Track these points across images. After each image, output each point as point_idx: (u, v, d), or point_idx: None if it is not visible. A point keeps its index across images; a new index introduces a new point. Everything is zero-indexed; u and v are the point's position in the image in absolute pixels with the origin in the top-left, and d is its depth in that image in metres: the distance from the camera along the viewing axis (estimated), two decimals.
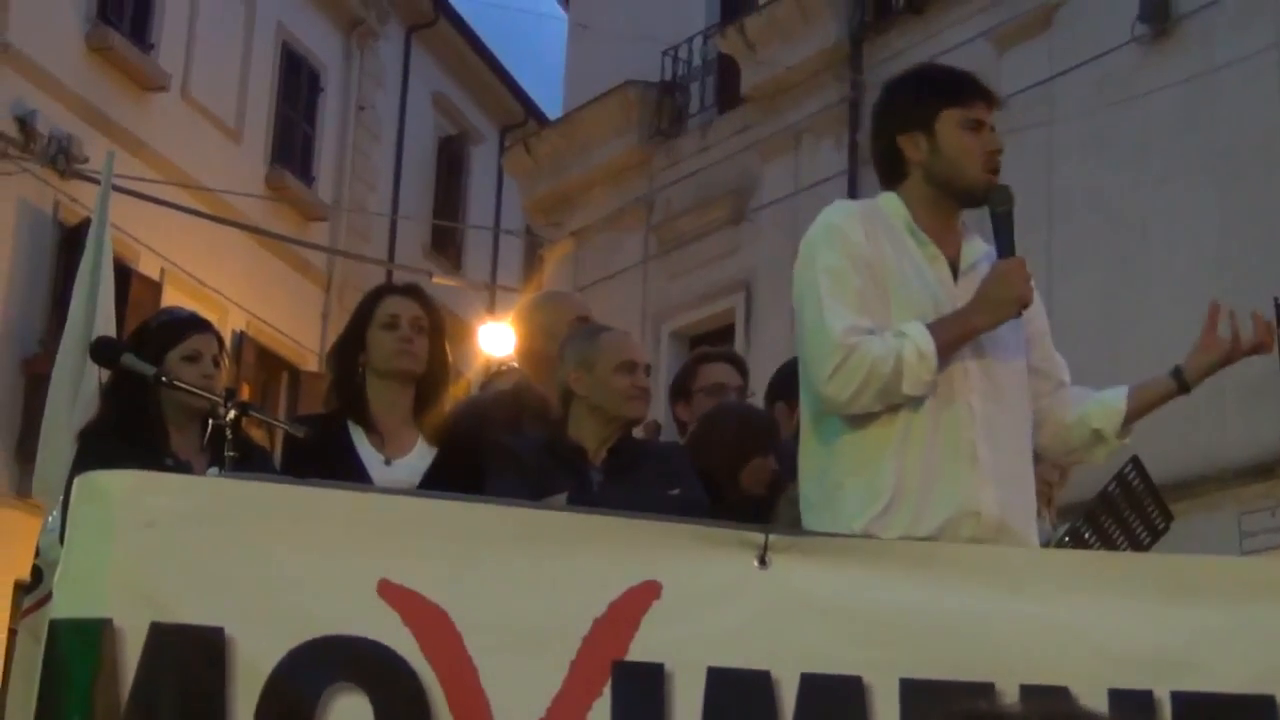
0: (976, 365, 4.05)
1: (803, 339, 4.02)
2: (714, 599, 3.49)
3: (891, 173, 4.18)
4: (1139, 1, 15.91)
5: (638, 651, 3.39)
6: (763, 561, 3.55)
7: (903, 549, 3.79)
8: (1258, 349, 4.26)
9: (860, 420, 3.98)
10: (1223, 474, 14.14)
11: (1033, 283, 4.06)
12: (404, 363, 5.10)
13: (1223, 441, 14.31)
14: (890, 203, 4.15)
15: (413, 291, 5.30)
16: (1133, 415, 4.28)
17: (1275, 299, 14.17)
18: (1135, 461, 4.91)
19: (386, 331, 5.10)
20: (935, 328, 3.94)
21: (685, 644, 3.44)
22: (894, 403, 3.93)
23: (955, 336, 3.97)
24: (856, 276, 3.99)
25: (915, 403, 3.96)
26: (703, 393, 6.22)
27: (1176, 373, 4.28)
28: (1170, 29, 15.84)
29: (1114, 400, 4.27)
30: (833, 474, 4.03)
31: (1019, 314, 4.03)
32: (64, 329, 6.16)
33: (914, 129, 4.11)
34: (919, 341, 3.89)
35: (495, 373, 6.87)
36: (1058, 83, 16.36)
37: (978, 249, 4.20)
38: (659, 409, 6.95)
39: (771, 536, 3.59)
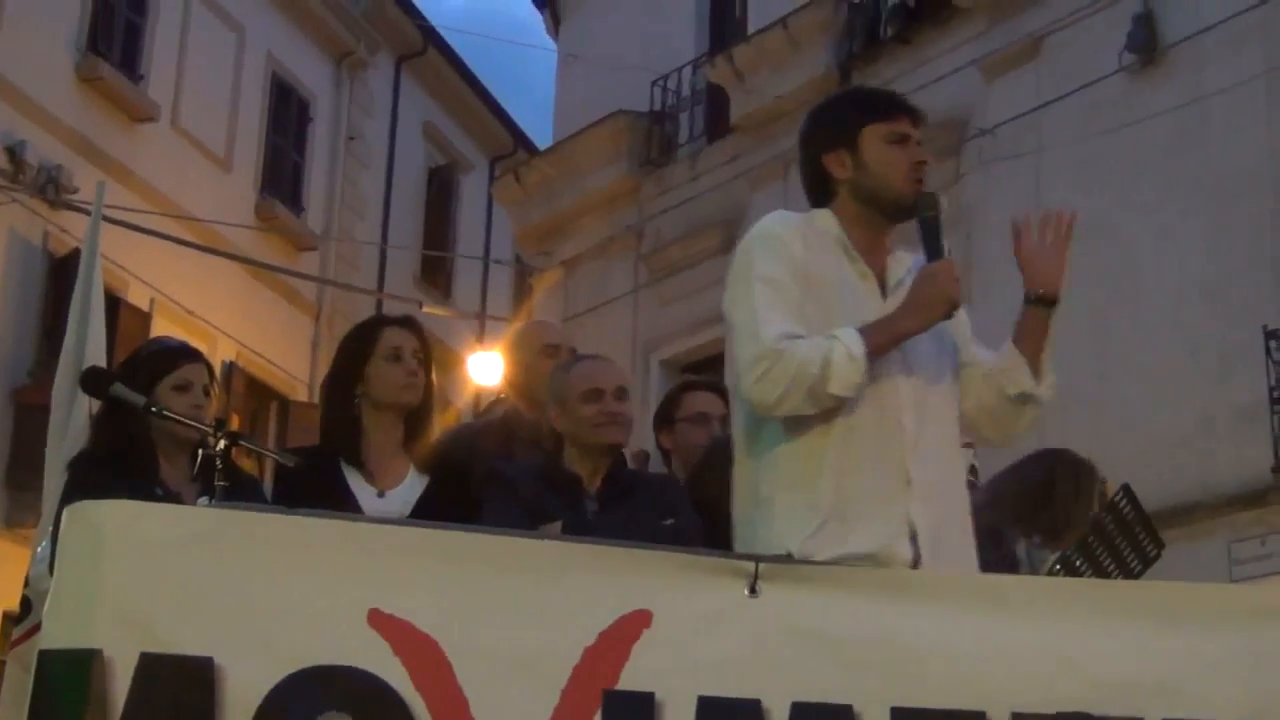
0: (907, 383, 4.08)
1: (734, 345, 4.05)
2: (704, 627, 3.49)
3: (820, 193, 4.23)
4: (1127, 31, 15.97)
5: (628, 680, 3.38)
6: (753, 590, 3.54)
7: (893, 577, 3.79)
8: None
9: (794, 435, 4.00)
10: (1213, 502, 14.15)
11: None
12: (409, 395, 5.11)
13: (1213, 469, 14.33)
14: (825, 219, 4.19)
15: (410, 323, 5.31)
16: (1032, 357, 4.21)
17: (1264, 326, 14.21)
18: (1126, 489, 4.91)
19: (391, 364, 5.09)
20: (866, 331, 3.95)
21: (676, 673, 3.43)
22: (824, 406, 3.93)
23: (886, 339, 3.99)
24: (794, 287, 4.03)
25: (848, 420, 3.97)
26: (686, 421, 6.22)
27: (1028, 297, 4.22)
28: (1158, 58, 15.90)
29: (1005, 357, 4.22)
30: (765, 490, 4.04)
31: (949, 315, 4.05)
32: (57, 359, 6.17)
33: (838, 147, 4.18)
34: (849, 343, 3.91)
35: (491, 402, 6.90)
36: (1046, 111, 16.42)
37: (903, 264, 4.22)
38: (649, 438, 6.94)
39: (762, 565, 3.58)
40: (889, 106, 4.24)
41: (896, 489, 4.00)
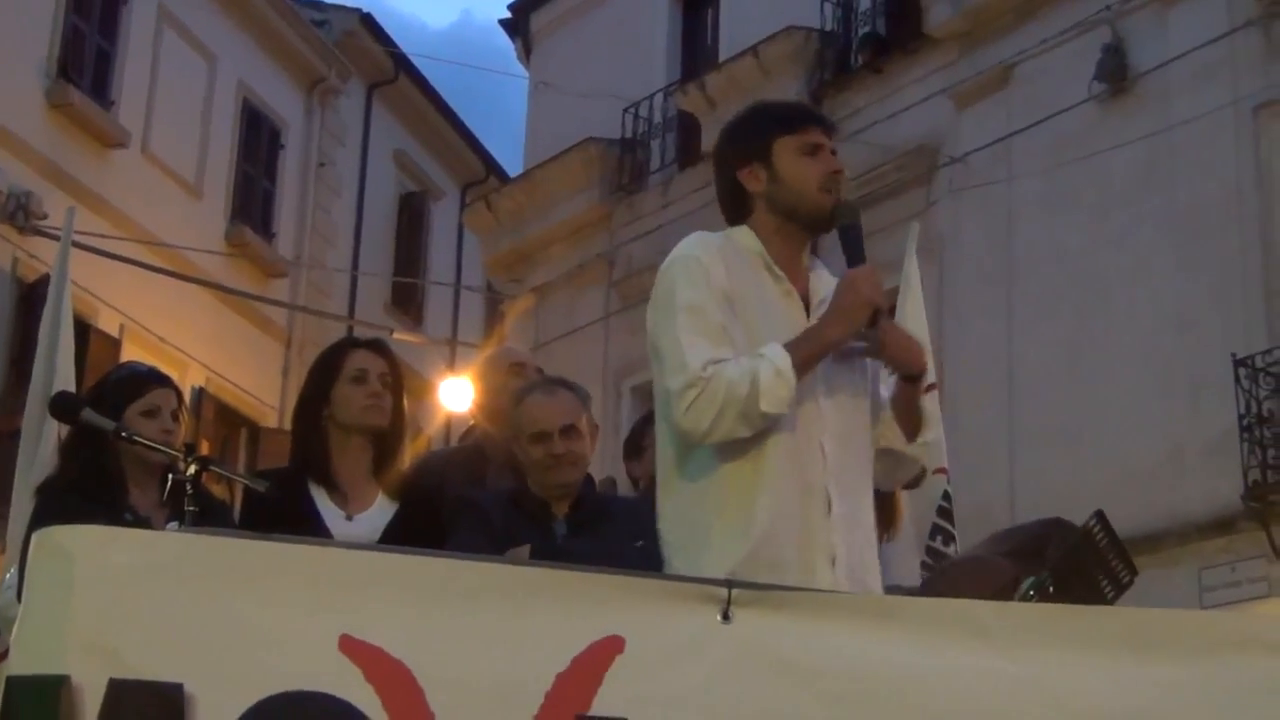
0: (829, 404, 4.06)
1: (660, 375, 4.00)
2: (677, 653, 3.47)
3: (737, 209, 4.20)
4: (1096, 60, 16.08)
5: (601, 706, 3.36)
6: (726, 616, 3.52)
7: (868, 603, 3.78)
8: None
9: (722, 462, 3.97)
10: (1183, 529, 14.21)
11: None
12: (372, 418, 5.08)
13: (1183, 497, 14.39)
14: (744, 235, 4.16)
15: (378, 346, 5.29)
16: (904, 423, 4.21)
17: (1233, 354, 14.28)
18: (1099, 515, 4.91)
19: (355, 386, 5.08)
20: (792, 345, 3.93)
21: (648, 699, 3.41)
22: (757, 426, 3.90)
23: (812, 351, 3.97)
24: (718, 312, 3.99)
25: (774, 444, 3.95)
26: (653, 450, 6.23)
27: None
28: (1128, 87, 16.01)
29: (883, 415, 4.23)
30: (697, 517, 4.01)
31: (874, 321, 4.02)
32: (25, 386, 6.17)
33: (751, 161, 4.15)
34: (775, 360, 3.88)
35: (465, 431, 6.90)
36: (1016, 140, 16.51)
37: (825, 282, 4.21)
38: (619, 465, 6.94)
39: (735, 590, 3.56)
40: (799, 118, 4.23)
41: (818, 514, 3.99)
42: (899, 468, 4.34)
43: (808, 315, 4.11)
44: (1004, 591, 4.91)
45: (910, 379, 4.15)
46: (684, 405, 3.90)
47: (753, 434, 3.93)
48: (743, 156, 4.18)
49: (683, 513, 4.06)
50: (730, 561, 3.88)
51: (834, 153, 4.16)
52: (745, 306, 4.04)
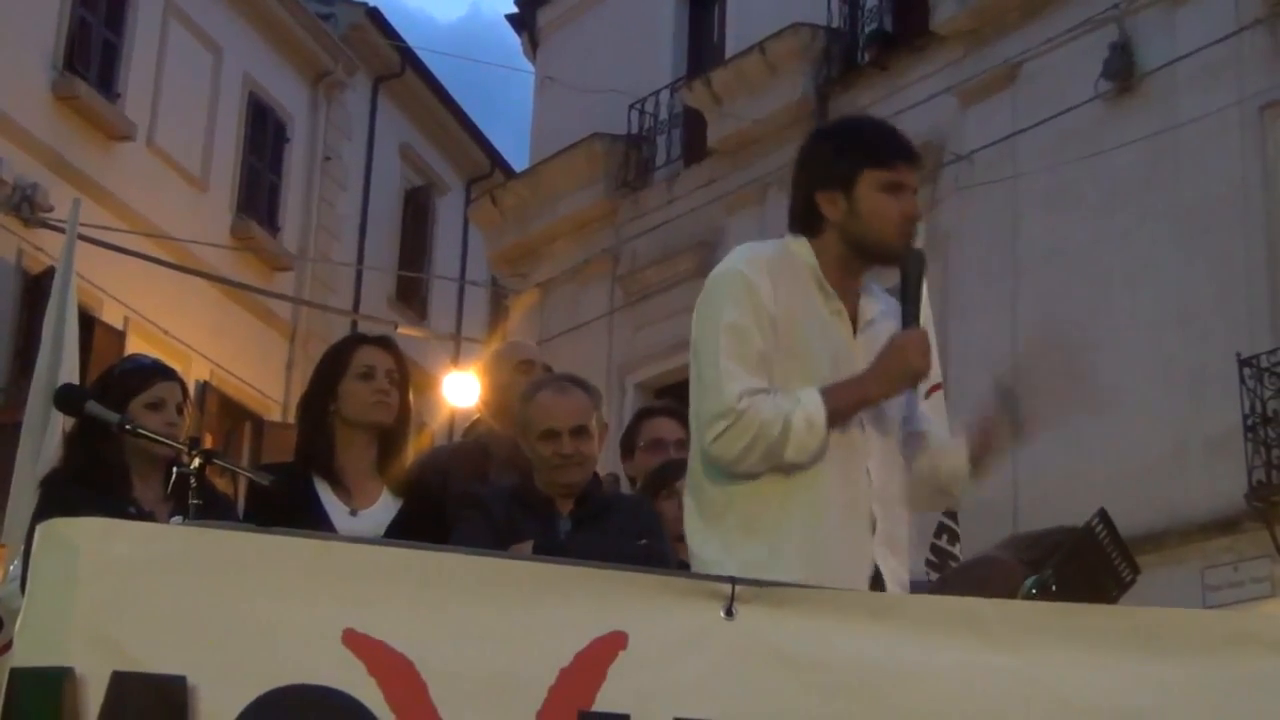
0: (874, 429, 4.08)
1: (697, 394, 4.02)
2: (680, 649, 3.47)
3: (806, 225, 4.16)
4: (1103, 58, 16.06)
5: (604, 702, 3.37)
6: (729, 612, 3.53)
7: (870, 600, 3.79)
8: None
9: (760, 480, 3.98)
10: (1186, 528, 14.20)
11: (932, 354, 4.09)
12: (379, 414, 5.09)
13: (1186, 496, 14.39)
14: (802, 249, 4.14)
15: (385, 343, 5.30)
16: (975, 457, 4.25)
17: (1238, 353, 14.27)
18: (1102, 514, 4.91)
19: (362, 382, 5.09)
20: (829, 394, 3.94)
21: (651, 695, 3.41)
22: (780, 467, 3.93)
23: (849, 405, 3.98)
24: (759, 336, 3.99)
25: (822, 465, 3.96)
26: (643, 450, 6.24)
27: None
28: (1133, 85, 15.99)
29: (958, 449, 4.24)
30: (728, 531, 4.03)
31: (914, 386, 4.07)
32: (29, 378, 6.18)
33: (833, 187, 4.09)
34: (810, 410, 3.89)
35: (469, 426, 6.90)
36: (1022, 138, 16.50)
37: (876, 303, 4.21)
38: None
39: (738, 587, 3.57)
40: (890, 151, 4.14)
41: (864, 536, 4.01)
42: (936, 499, 4.38)
43: (855, 334, 4.12)
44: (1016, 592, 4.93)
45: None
46: (713, 434, 3.93)
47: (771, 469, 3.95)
48: (825, 180, 4.12)
49: (712, 526, 4.07)
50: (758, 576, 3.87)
51: (915, 191, 4.14)
52: (792, 323, 4.04)
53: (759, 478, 3.98)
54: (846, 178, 4.08)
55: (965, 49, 17.60)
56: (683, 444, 6.15)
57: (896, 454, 4.15)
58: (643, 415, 6.58)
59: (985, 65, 17.29)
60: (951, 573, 6.10)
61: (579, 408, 5.19)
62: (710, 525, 4.07)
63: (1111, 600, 5.00)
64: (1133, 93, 16.02)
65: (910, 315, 4.06)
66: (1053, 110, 16.25)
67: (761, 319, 3.99)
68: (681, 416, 6.44)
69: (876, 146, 4.14)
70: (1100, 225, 15.86)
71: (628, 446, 6.40)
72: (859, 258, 4.13)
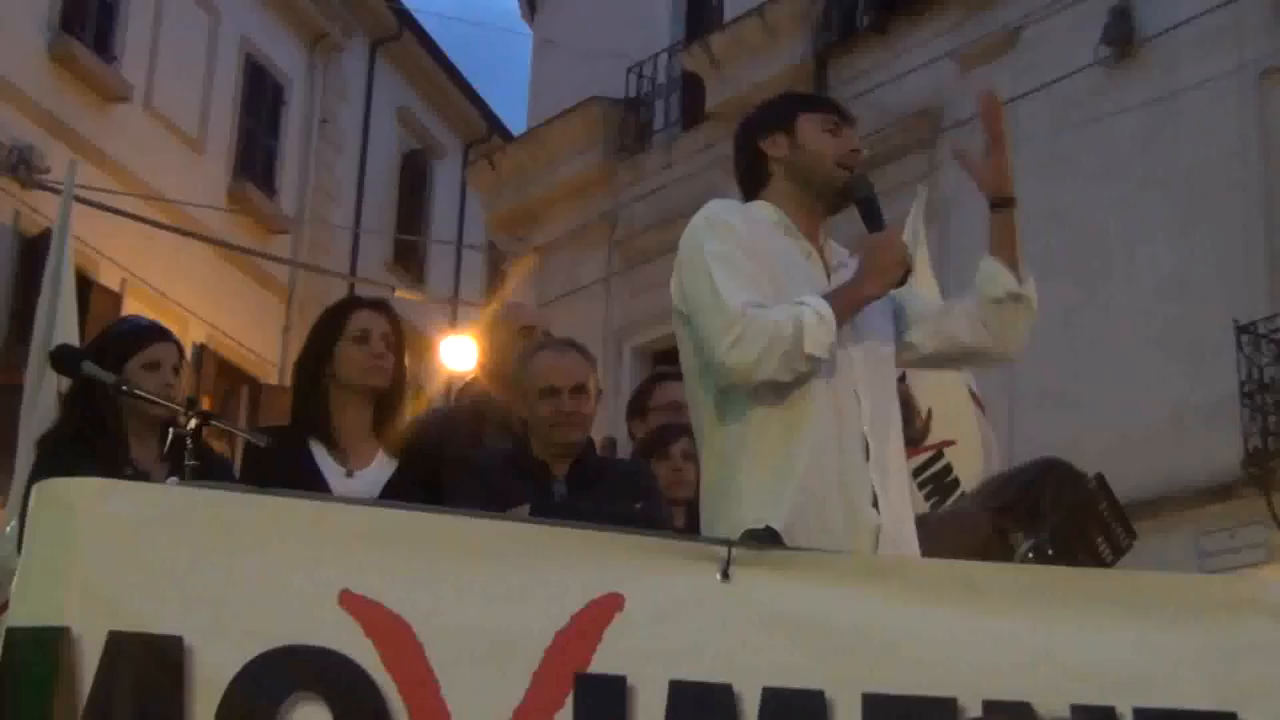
0: (859, 352, 4.13)
1: (699, 321, 4.05)
2: (677, 611, 3.48)
3: (755, 180, 4.31)
4: (1103, 24, 16.01)
5: (600, 664, 3.38)
6: (725, 574, 3.53)
7: (867, 563, 3.80)
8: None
9: (762, 412, 4.01)
10: (1182, 495, 14.21)
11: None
12: (374, 378, 5.09)
13: (1183, 463, 14.40)
14: (762, 208, 4.25)
15: (382, 306, 5.30)
16: (1008, 261, 4.25)
17: (1235, 320, 14.27)
18: (1099, 478, 4.91)
19: (357, 345, 5.08)
20: (829, 296, 4.02)
21: (648, 656, 3.42)
22: (799, 370, 3.95)
23: (848, 304, 4.04)
24: (747, 261, 4.05)
25: (809, 393, 4.00)
26: (658, 411, 6.23)
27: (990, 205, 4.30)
28: (1133, 51, 15.96)
29: (984, 268, 4.26)
30: (737, 469, 4.05)
31: (904, 280, 4.10)
32: (27, 340, 6.17)
33: (775, 131, 4.28)
34: (817, 306, 3.95)
35: (463, 387, 6.89)
36: (1021, 104, 16.43)
37: (839, 253, 4.31)
38: (620, 425, 6.94)
39: (735, 549, 3.58)
40: (824, 103, 4.42)
41: (859, 460, 4.04)
42: (1015, 318, 4.29)
43: (828, 279, 4.16)
44: (986, 546, 4.93)
45: (1002, 205, 4.28)
46: (728, 342, 3.94)
47: (792, 379, 3.97)
48: (766, 126, 4.31)
49: (721, 468, 4.10)
50: (776, 513, 3.91)
51: (858, 146, 4.28)
52: (770, 262, 4.10)
53: (764, 413, 4.00)
54: (787, 120, 4.29)
55: (964, 14, 17.55)
56: None
57: (886, 380, 4.21)
58: (657, 378, 6.58)
59: (984, 30, 17.24)
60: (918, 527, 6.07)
61: (578, 367, 5.22)
62: (724, 469, 4.09)
63: (1107, 565, 5.01)
64: (1132, 58, 15.98)
65: (876, 224, 4.15)
66: (1052, 76, 16.21)
67: (744, 247, 4.08)
68: None
69: (810, 98, 4.49)
70: (1099, 191, 15.84)
71: (638, 408, 6.39)
72: (811, 196, 4.24)
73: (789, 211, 4.22)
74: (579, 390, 5.14)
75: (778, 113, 4.34)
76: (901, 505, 4.17)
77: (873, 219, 4.16)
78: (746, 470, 4.03)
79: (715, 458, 4.15)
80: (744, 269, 4.03)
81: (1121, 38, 15.96)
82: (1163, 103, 15.48)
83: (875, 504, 4.04)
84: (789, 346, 3.91)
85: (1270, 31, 15.15)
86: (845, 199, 4.21)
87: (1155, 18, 15.83)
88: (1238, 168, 15.03)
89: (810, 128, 4.25)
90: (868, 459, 4.06)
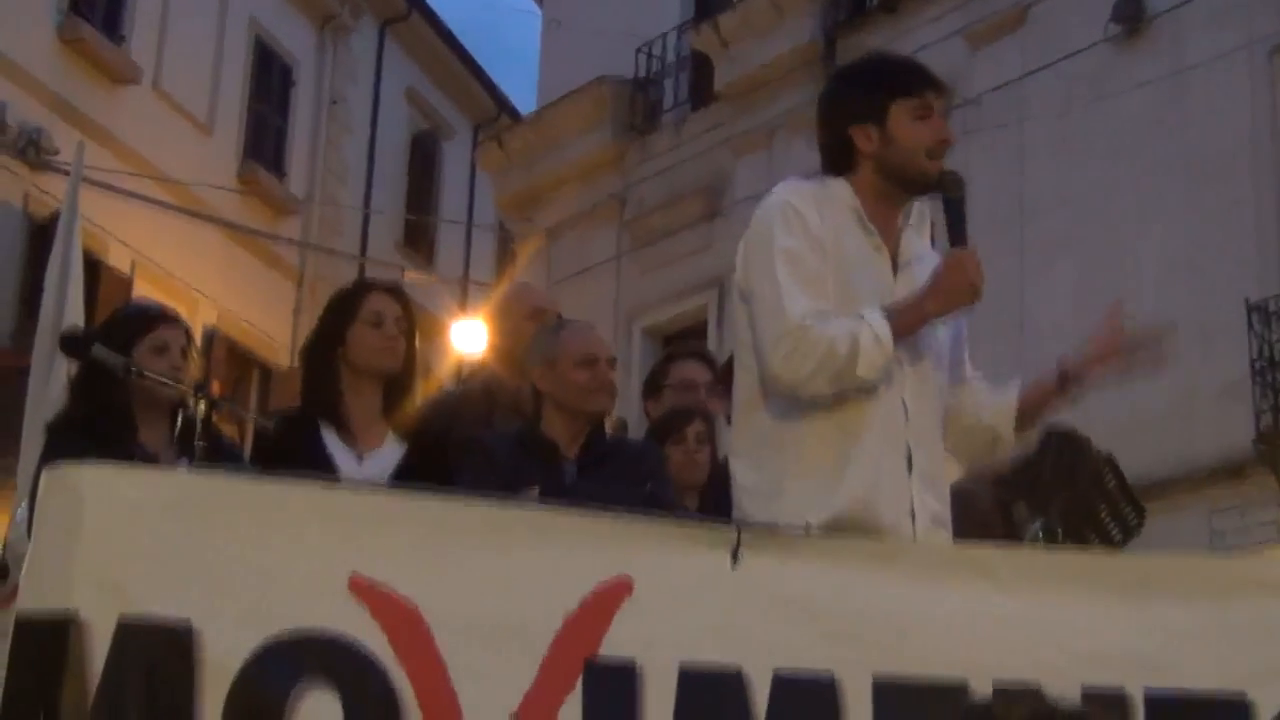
0: (908, 360, 4.06)
1: (757, 319, 4.00)
2: (686, 595, 3.48)
3: (840, 162, 4.18)
4: (1112, 2, 15.96)
5: (609, 647, 3.38)
6: (735, 558, 3.53)
7: (875, 547, 3.78)
8: (1146, 364, 4.20)
9: (812, 408, 3.96)
10: (1194, 474, 14.19)
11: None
12: (387, 361, 5.08)
13: (1193, 442, 14.38)
14: (841, 188, 4.14)
15: (394, 289, 5.29)
16: (1027, 414, 4.23)
17: (1245, 299, 14.24)
18: (1109, 459, 4.92)
19: (371, 329, 5.07)
20: (891, 313, 3.94)
21: (657, 640, 3.42)
22: (847, 388, 3.91)
23: (910, 322, 3.98)
24: (814, 259, 3.99)
25: (859, 398, 3.95)
26: (673, 389, 6.23)
27: (1061, 373, 4.22)
28: (1142, 29, 15.91)
29: (1006, 398, 4.23)
30: (778, 462, 4.00)
31: (972, 303, 4.04)
32: (36, 323, 6.17)
33: (866, 121, 4.12)
34: (876, 326, 3.89)
35: (473, 369, 6.88)
36: (1030, 81, 16.42)
37: (915, 245, 4.22)
38: (630, 406, 6.94)
39: (744, 533, 3.58)
40: (917, 81, 4.19)
41: (901, 469, 4.00)
42: (990, 451, 4.33)
43: (894, 274, 4.11)
44: (986, 519, 4.92)
45: (1064, 388, 4.21)
46: (780, 354, 3.90)
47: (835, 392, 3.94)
48: (857, 114, 4.15)
49: (763, 457, 4.05)
50: (815, 513, 3.86)
51: (943, 117, 4.18)
52: (837, 256, 4.04)
53: (809, 410, 3.96)
54: (878, 110, 4.11)
55: None
56: (713, 388, 6.16)
57: (932, 387, 4.13)
58: (672, 357, 6.58)
59: (993, 8, 17.19)
60: None
61: (607, 341, 5.25)
62: (762, 460, 4.05)
63: (1117, 546, 5.01)
64: (1141, 36, 15.93)
65: (959, 235, 4.06)
66: (1061, 54, 16.17)
67: (814, 245, 4.00)
68: (710, 360, 6.45)
69: (903, 77, 4.20)
70: (1108, 170, 15.80)
71: (654, 387, 6.38)
72: (897, 188, 4.14)
73: (868, 200, 4.12)
74: (612, 362, 5.18)
75: (870, 101, 4.14)
76: (942, 518, 4.11)
77: (956, 224, 4.07)
78: (792, 470, 3.97)
79: (752, 437, 4.10)
80: (810, 267, 3.97)
81: (1131, 15, 15.92)
82: (1172, 80, 15.43)
83: (912, 516, 3.99)
84: (842, 366, 3.87)
85: (1279, 7, 15.11)
86: (933, 190, 4.14)
87: None
88: (1248, 146, 14.98)
89: (902, 119, 4.10)
90: (910, 471, 4.02)
